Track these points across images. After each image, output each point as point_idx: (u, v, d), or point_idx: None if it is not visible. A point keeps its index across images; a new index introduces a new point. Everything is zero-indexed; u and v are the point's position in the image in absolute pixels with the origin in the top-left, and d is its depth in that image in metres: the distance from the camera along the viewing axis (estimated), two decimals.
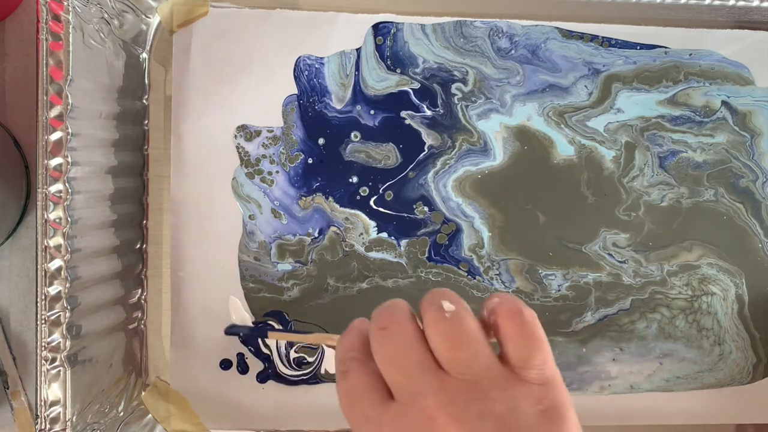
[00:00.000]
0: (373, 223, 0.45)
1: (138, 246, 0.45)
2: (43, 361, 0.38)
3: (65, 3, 0.37)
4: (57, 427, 0.38)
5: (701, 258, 0.47)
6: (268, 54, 0.45)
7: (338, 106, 0.45)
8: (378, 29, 0.45)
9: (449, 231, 0.46)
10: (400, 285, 0.45)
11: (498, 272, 0.46)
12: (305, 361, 0.45)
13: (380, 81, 0.45)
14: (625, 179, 0.46)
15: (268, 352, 0.45)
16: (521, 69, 0.46)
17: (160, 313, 0.45)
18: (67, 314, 0.38)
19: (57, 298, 0.38)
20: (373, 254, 0.45)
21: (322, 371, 0.45)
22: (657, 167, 0.46)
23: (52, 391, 0.38)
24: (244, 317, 0.45)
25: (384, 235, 0.45)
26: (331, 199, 0.45)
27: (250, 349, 0.45)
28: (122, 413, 0.43)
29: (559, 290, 0.46)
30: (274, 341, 0.45)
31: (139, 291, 0.45)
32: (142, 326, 0.45)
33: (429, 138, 0.45)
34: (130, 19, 0.42)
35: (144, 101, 0.44)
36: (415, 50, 0.45)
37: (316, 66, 0.45)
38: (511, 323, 0.27)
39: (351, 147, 0.45)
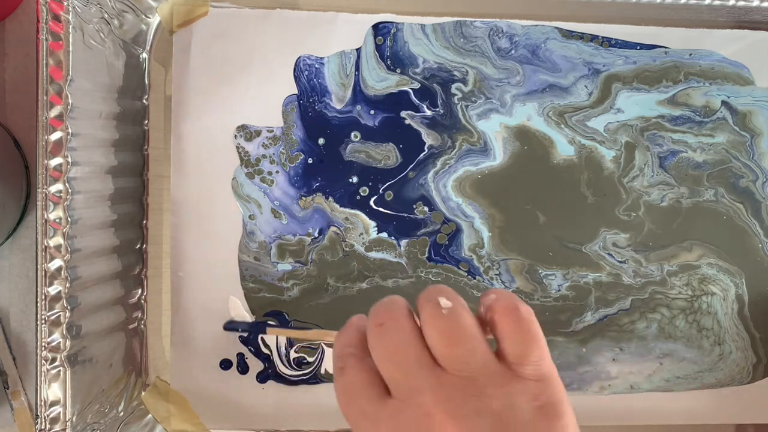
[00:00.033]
0: (373, 223, 0.45)
1: (138, 246, 0.45)
2: (43, 361, 0.38)
3: (65, 3, 0.37)
4: (57, 427, 0.38)
5: (701, 258, 0.47)
6: (268, 54, 0.45)
7: (338, 106, 0.45)
8: (378, 29, 0.45)
9: (449, 231, 0.46)
10: (400, 285, 0.45)
11: (498, 272, 0.46)
12: (305, 361, 0.45)
13: (380, 81, 0.45)
14: (625, 179, 0.46)
15: (268, 352, 0.45)
16: (521, 69, 0.46)
17: (160, 313, 0.45)
18: (67, 314, 0.38)
19: (57, 298, 0.38)
20: (373, 254, 0.45)
21: (322, 371, 0.45)
22: (657, 167, 0.46)
23: (52, 391, 0.38)
24: (244, 317, 0.45)
25: (384, 235, 0.45)
26: (331, 199, 0.45)
27: (250, 349, 0.45)
28: (122, 413, 0.43)
29: (559, 290, 0.46)
30: (274, 340, 0.45)
31: (139, 291, 0.45)
32: (142, 326, 0.45)
33: (429, 138, 0.45)
34: (130, 19, 0.42)
35: (144, 101, 0.45)
36: (415, 50, 0.45)
37: (316, 66, 0.45)
38: (508, 320, 0.27)
39: (351, 147, 0.45)
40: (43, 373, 0.38)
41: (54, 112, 0.37)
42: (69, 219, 0.38)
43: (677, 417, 0.47)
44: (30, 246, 0.44)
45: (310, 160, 0.45)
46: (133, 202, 0.44)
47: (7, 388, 0.44)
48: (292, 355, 0.45)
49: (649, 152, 0.46)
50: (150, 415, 0.44)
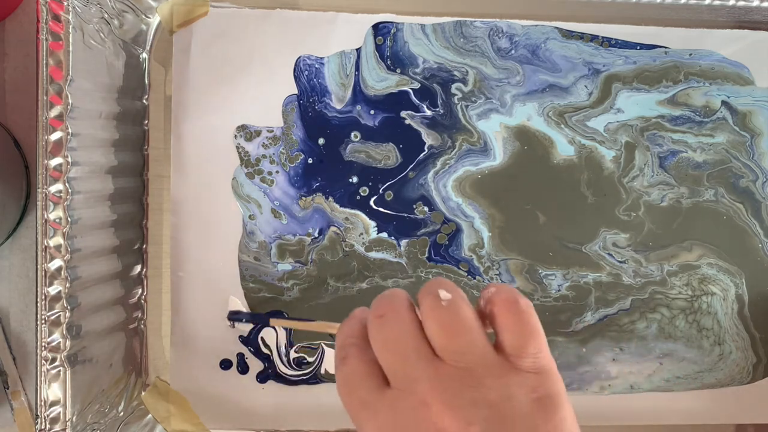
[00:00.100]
0: (373, 223, 0.45)
1: (138, 246, 0.45)
2: (43, 361, 0.38)
3: (65, 3, 0.37)
4: (57, 427, 0.38)
5: (701, 258, 0.47)
6: (268, 54, 0.45)
7: (338, 106, 0.45)
8: (378, 29, 0.45)
9: (449, 231, 0.46)
10: (400, 285, 0.45)
11: (498, 272, 0.46)
12: (305, 361, 0.45)
13: (380, 81, 0.45)
14: (625, 179, 0.46)
15: (268, 352, 0.45)
16: (521, 69, 0.46)
17: (160, 313, 0.45)
18: (67, 314, 0.38)
19: (57, 298, 0.38)
20: (373, 254, 0.45)
21: (322, 371, 0.45)
22: (657, 167, 0.46)
23: (52, 391, 0.38)
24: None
25: (384, 235, 0.45)
26: (331, 199, 0.45)
27: (250, 349, 0.45)
28: (122, 413, 0.43)
29: (559, 290, 0.46)
30: (274, 340, 0.45)
31: (139, 291, 0.45)
32: (142, 326, 0.45)
33: (429, 138, 0.45)
34: (130, 19, 0.42)
35: (144, 101, 0.45)
36: (415, 50, 0.45)
37: (316, 66, 0.45)
38: (507, 312, 0.27)
39: (351, 147, 0.45)
40: (43, 373, 0.38)
41: (54, 112, 0.37)
42: (69, 219, 0.38)
43: (677, 417, 0.47)
44: (30, 246, 0.44)
45: (310, 160, 0.45)
46: (133, 202, 0.44)
47: (7, 388, 0.44)
48: (292, 355, 0.45)
49: (649, 152, 0.46)
50: (150, 415, 0.44)
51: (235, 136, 0.45)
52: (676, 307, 0.47)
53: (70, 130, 0.37)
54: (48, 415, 0.38)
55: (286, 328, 0.45)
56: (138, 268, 0.44)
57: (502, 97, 0.46)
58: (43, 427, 0.38)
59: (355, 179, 0.45)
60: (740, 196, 0.47)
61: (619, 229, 0.46)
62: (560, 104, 0.46)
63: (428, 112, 0.45)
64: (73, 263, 0.38)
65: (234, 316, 0.44)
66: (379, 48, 0.45)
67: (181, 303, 0.45)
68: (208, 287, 0.45)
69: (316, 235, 0.45)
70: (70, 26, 0.37)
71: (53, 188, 0.37)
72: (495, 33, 0.45)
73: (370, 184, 0.45)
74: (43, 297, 0.38)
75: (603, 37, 0.46)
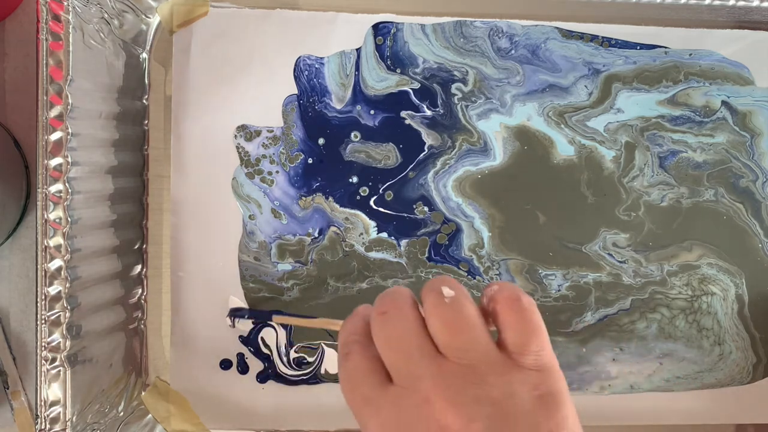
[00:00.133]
0: (373, 223, 0.45)
1: (138, 246, 0.45)
2: (43, 361, 0.38)
3: (65, 3, 0.37)
4: (57, 427, 0.38)
5: (701, 258, 0.47)
6: (268, 54, 0.45)
7: (338, 106, 0.45)
8: (378, 29, 0.45)
9: (449, 231, 0.46)
10: (401, 285, 0.45)
11: (498, 272, 0.46)
12: (305, 361, 0.45)
13: (380, 81, 0.45)
14: (625, 179, 0.46)
15: (268, 352, 0.45)
16: (521, 69, 0.46)
17: (160, 313, 0.45)
18: (67, 314, 0.38)
19: (57, 298, 0.38)
20: (373, 254, 0.45)
21: (322, 371, 0.45)
22: (657, 167, 0.46)
23: (52, 391, 0.38)
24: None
25: (384, 235, 0.45)
26: (331, 199, 0.45)
27: (250, 349, 0.45)
28: (122, 413, 0.43)
29: (559, 290, 0.46)
30: (274, 340, 0.45)
31: (139, 291, 0.45)
32: (142, 326, 0.45)
33: (429, 138, 0.45)
34: (130, 19, 0.42)
35: (144, 101, 0.45)
36: (415, 50, 0.45)
37: (316, 66, 0.45)
38: (509, 310, 0.27)
39: (351, 147, 0.45)
40: (43, 373, 0.38)
41: (54, 112, 0.37)
42: (69, 219, 0.38)
43: (677, 417, 0.47)
44: (30, 246, 0.44)
45: (310, 160, 0.45)
46: (133, 202, 0.44)
47: (7, 388, 0.44)
48: (292, 355, 0.45)
49: (649, 152, 0.46)
50: (150, 415, 0.44)
51: (235, 136, 0.45)
52: (676, 307, 0.47)
53: (70, 130, 0.37)
54: (48, 415, 0.38)
55: (286, 328, 0.45)
56: (138, 268, 0.45)
57: (502, 97, 0.46)
58: (43, 427, 0.38)
59: (355, 179, 0.45)
60: (740, 196, 0.47)
61: (619, 229, 0.46)
62: (560, 104, 0.46)
63: (428, 112, 0.45)
64: (73, 263, 0.38)
65: (236, 313, 0.44)
66: (379, 48, 0.45)
67: (181, 303, 0.45)
68: (208, 287, 0.45)
69: (316, 235, 0.45)
70: (70, 26, 0.37)
71: (53, 188, 0.37)
72: (495, 33, 0.45)
73: (370, 184, 0.45)
74: (43, 297, 0.38)
75: (603, 37, 0.46)
